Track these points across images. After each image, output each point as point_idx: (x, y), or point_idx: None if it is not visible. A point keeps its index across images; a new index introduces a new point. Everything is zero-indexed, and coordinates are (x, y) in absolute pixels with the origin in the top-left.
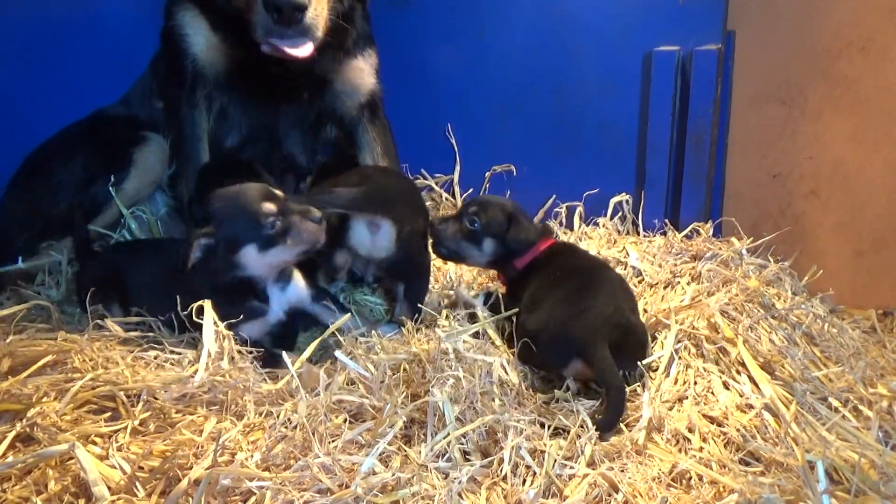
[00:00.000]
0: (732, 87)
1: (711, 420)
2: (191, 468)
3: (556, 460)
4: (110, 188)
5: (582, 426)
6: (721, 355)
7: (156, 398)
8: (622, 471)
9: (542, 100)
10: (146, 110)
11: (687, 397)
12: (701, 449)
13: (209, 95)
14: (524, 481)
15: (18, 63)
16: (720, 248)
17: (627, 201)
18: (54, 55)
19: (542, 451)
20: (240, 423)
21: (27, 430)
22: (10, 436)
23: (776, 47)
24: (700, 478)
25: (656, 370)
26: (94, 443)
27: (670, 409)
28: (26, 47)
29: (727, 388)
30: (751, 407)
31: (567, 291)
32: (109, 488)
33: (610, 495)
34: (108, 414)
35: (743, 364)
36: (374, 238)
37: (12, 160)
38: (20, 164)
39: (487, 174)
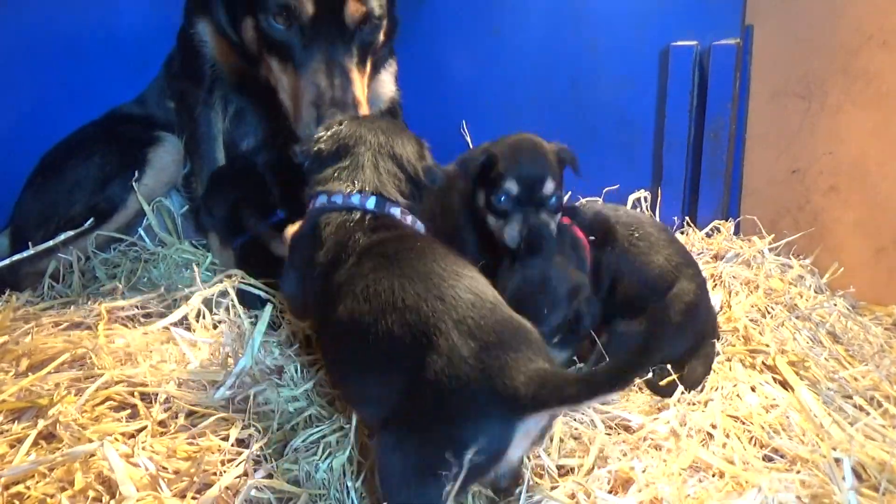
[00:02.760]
0: (751, 81)
1: (736, 419)
2: (215, 474)
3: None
4: (133, 184)
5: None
6: (750, 359)
7: (175, 398)
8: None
9: (558, 95)
10: (161, 110)
11: (713, 399)
12: (724, 445)
13: (225, 97)
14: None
15: (35, 62)
16: (741, 248)
17: (646, 198)
18: (70, 54)
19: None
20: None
21: (49, 427)
22: (34, 433)
23: (795, 41)
24: (722, 474)
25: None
26: (116, 440)
27: (695, 410)
28: (42, 46)
29: (754, 391)
30: (776, 406)
31: None
32: (136, 487)
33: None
34: (128, 411)
35: (769, 367)
36: None
37: (28, 159)
38: (37, 164)
39: None
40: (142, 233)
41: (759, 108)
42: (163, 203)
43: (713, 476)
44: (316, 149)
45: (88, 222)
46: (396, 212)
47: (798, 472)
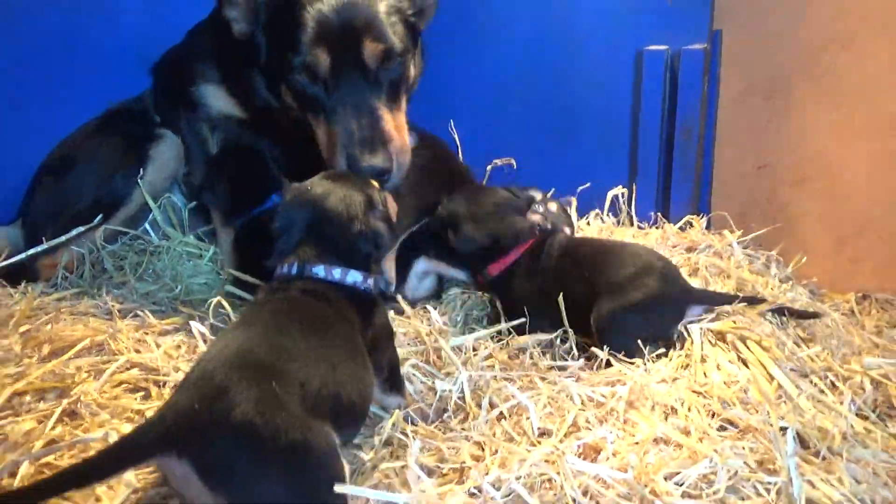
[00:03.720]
0: (720, 83)
1: (699, 394)
2: None
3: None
4: (138, 181)
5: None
6: (719, 341)
7: None
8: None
9: (542, 97)
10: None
11: (682, 377)
12: (686, 418)
13: (222, 132)
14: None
15: (39, 60)
16: (713, 241)
17: (623, 194)
18: (73, 53)
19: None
20: None
21: (72, 406)
22: (59, 410)
23: (761, 45)
24: (680, 445)
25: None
26: (131, 420)
27: (667, 382)
28: (45, 45)
29: (719, 369)
30: (736, 382)
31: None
32: None
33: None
34: (143, 393)
35: (734, 347)
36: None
37: (33, 155)
38: (44, 160)
39: (489, 167)
40: (147, 227)
41: (728, 108)
42: (169, 198)
43: (673, 448)
44: (274, 225)
45: (98, 218)
46: (320, 270)
47: (748, 440)
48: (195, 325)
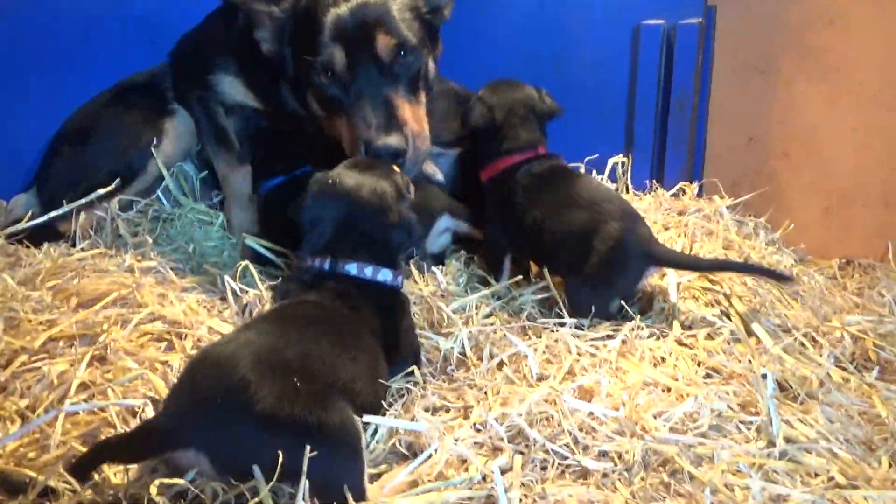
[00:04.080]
0: (713, 57)
1: (685, 346)
2: None
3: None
4: (153, 150)
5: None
6: (703, 295)
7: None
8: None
9: (543, 71)
10: (173, 86)
11: (669, 332)
12: (674, 367)
13: (240, 119)
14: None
15: (47, 36)
16: (703, 206)
17: (623, 163)
18: (82, 29)
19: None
20: None
21: (101, 351)
22: (88, 356)
23: (754, 21)
24: (668, 389)
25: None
26: (155, 369)
27: (655, 338)
28: (53, 21)
29: (703, 321)
30: (720, 334)
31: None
32: None
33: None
34: (166, 343)
35: (718, 302)
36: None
37: (42, 130)
38: (59, 130)
39: None
40: (160, 195)
41: (721, 82)
42: (181, 167)
43: (661, 391)
44: (302, 216)
45: (116, 182)
46: (352, 268)
47: (731, 385)
48: (228, 281)
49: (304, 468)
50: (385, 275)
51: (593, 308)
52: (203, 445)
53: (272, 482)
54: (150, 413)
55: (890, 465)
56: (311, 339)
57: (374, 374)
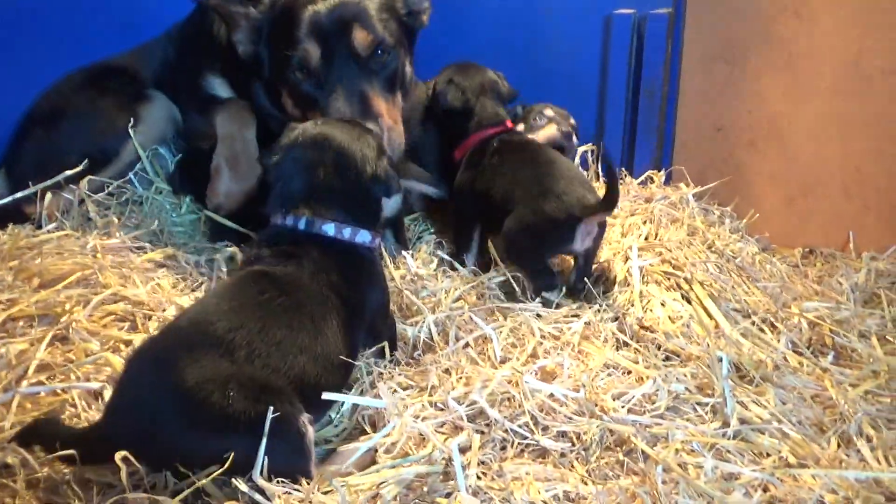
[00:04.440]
0: (683, 47)
1: (646, 328)
2: None
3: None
4: (130, 130)
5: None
6: (665, 280)
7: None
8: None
9: (515, 59)
10: (150, 73)
11: (629, 313)
12: (634, 350)
13: None
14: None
15: (14, 15)
16: (669, 193)
17: (593, 151)
18: (52, 7)
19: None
20: None
21: (62, 331)
22: (49, 335)
23: (721, 11)
24: (629, 372)
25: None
26: (119, 349)
27: (615, 320)
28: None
29: (663, 305)
30: (681, 317)
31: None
32: None
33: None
34: (129, 323)
35: (680, 286)
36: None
37: (11, 111)
38: (29, 109)
39: None
40: (132, 178)
41: (690, 71)
42: (157, 151)
43: (621, 373)
44: (273, 164)
45: (84, 163)
46: (330, 228)
47: (689, 368)
48: (185, 257)
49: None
50: (364, 236)
51: (527, 260)
52: (137, 451)
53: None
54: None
55: (839, 446)
56: (263, 325)
57: (336, 355)
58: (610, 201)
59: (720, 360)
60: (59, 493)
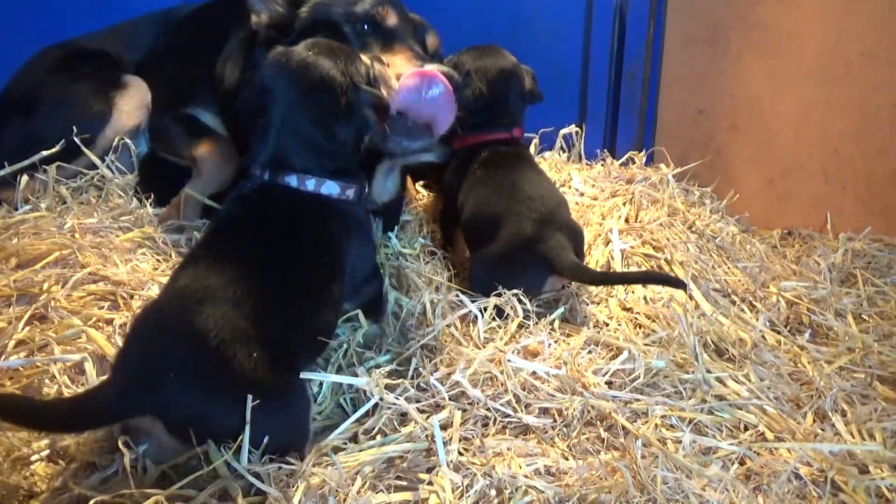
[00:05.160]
0: (665, 29)
1: (628, 310)
2: None
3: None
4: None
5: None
6: (646, 262)
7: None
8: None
9: (498, 41)
10: (134, 53)
11: (612, 296)
12: (615, 331)
13: None
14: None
15: None
16: (650, 174)
17: (577, 133)
18: None
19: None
20: None
21: (41, 310)
22: (27, 314)
23: None
24: (610, 349)
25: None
26: (100, 328)
27: (597, 304)
28: None
29: (644, 287)
30: (661, 298)
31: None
32: None
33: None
34: (109, 303)
35: (660, 267)
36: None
37: None
38: (4, 93)
39: None
40: (109, 163)
41: (672, 54)
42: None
43: (602, 349)
44: (243, 102)
45: (60, 144)
46: (292, 180)
47: (670, 348)
48: (163, 237)
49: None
50: (330, 188)
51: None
52: (160, 411)
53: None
54: (90, 369)
55: (814, 421)
56: (249, 287)
57: (316, 304)
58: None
59: (696, 335)
60: (38, 471)
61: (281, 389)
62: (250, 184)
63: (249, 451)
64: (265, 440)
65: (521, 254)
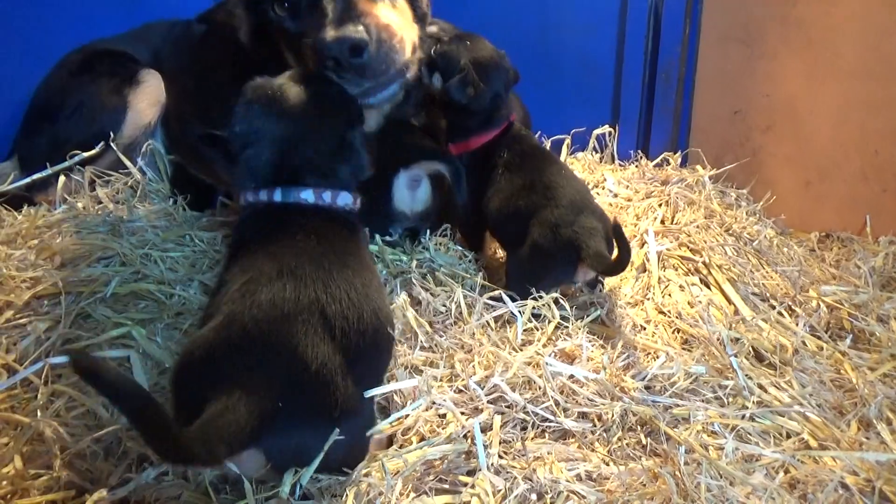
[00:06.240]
0: (701, 28)
1: (664, 314)
2: None
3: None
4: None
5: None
6: (682, 264)
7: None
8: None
9: (527, 40)
10: (150, 57)
11: (650, 298)
12: (653, 335)
13: None
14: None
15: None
16: (686, 175)
17: (610, 133)
18: None
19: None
20: None
21: (86, 309)
22: (74, 313)
23: None
24: (647, 353)
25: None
26: (143, 323)
27: (633, 306)
28: None
29: (682, 290)
30: (699, 302)
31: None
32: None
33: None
34: (151, 302)
35: (698, 270)
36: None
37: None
38: (32, 99)
39: None
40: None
41: (708, 53)
42: (155, 147)
43: (640, 353)
44: (232, 132)
45: (100, 145)
46: (309, 195)
47: (709, 352)
48: (198, 235)
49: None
50: (345, 198)
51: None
52: (269, 445)
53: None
54: (137, 363)
55: (858, 429)
56: (321, 310)
57: (376, 333)
58: (620, 263)
59: (733, 341)
60: (94, 466)
61: (360, 411)
62: (258, 205)
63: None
64: (335, 460)
65: (552, 241)
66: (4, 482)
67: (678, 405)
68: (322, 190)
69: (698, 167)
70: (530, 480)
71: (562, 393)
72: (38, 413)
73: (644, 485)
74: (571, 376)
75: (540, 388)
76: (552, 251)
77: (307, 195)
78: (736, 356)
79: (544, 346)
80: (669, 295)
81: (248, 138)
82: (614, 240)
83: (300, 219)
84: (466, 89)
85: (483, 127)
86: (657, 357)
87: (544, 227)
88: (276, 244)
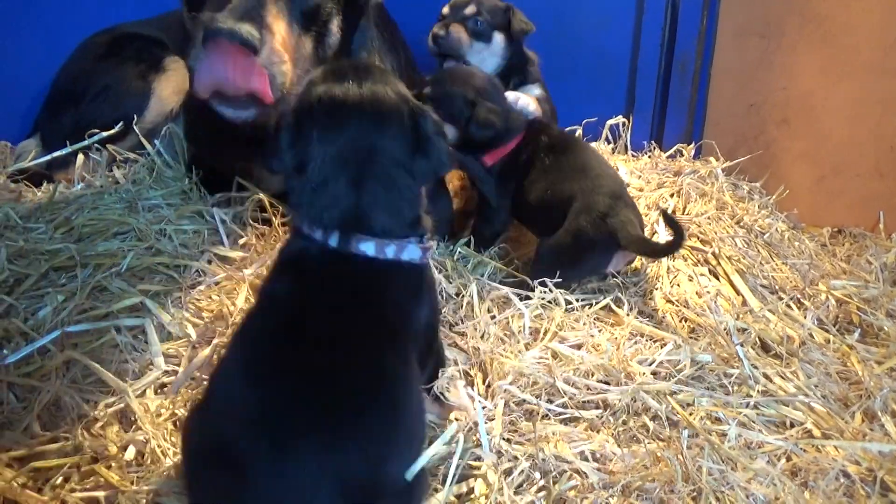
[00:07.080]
0: (718, 20)
1: (672, 302)
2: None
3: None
4: (151, 97)
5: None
6: (692, 254)
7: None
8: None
9: (543, 32)
10: (173, 42)
11: (657, 287)
12: (661, 322)
13: None
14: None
15: None
16: (699, 167)
17: (624, 124)
18: None
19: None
20: None
21: (102, 282)
22: (91, 285)
23: None
24: (654, 341)
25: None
26: (157, 297)
27: (643, 296)
28: None
29: (690, 280)
30: (708, 292)
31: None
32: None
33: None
34: (165, 276)
35: (707, 260)
36: None
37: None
38: (55, 80)
39: None
40: (159, 146)
41: (724, 46)
42: (174, 129)
43: (647, 340)
44: (286, 158)
45: (119, 125)
46: (369, 248)
47: (715, 342)
48: (212, 211)
49: None
50: (412, 252)
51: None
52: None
53: None
54: (152, 332)
55: (862, 420)
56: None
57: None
58: (675, 245)
59: (740, 331)
60: (107, 432)
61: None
62: (308, 252)
63: None
64: None
65: (592, 230)
66: (22, 446)
67: (683, 391)
68: (386, 242)
69: (711, 159)
70: (533, 458)
71: (567, 382)
72: (55, 380)
73: (647, 467)
74: (579, 363)
75: (549, 373)
76: (594, 238)
77: (368, 247)
78: (742, 346)
79: (553, 331)
80: (678, 285)
81: (302, 160)
82: (665, 224)
83: (354, 278)
84: (487, 127)
85: (511, 132)
86: (664, 345)
87: (590, 214)
88: (313, 309)
